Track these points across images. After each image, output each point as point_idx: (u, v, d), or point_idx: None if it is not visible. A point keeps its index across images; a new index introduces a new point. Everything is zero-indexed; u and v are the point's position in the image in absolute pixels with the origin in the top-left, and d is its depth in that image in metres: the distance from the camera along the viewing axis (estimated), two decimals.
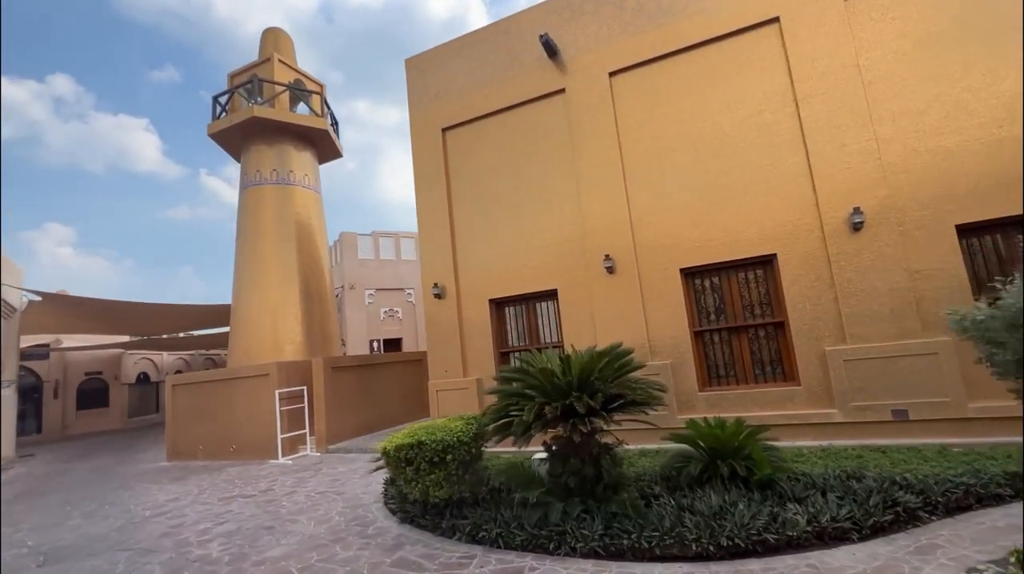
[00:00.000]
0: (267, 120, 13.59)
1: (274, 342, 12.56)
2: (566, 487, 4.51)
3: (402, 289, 21.79)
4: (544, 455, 4.93)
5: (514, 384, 4.92)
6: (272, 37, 15.36)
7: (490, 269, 9.21)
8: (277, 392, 10.40)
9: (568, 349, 8.44)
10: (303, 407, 10.88)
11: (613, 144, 8.29)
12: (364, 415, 11.84)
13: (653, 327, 7.78)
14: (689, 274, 7.76)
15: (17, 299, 14.16)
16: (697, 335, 7.63)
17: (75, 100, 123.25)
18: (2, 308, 13.14)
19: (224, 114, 14.28)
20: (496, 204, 9.31)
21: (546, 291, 8.78)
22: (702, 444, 4.92)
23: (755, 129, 7.38)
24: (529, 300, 9.08)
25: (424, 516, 5.02)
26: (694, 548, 3.74)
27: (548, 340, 8.87)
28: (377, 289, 21.30)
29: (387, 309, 21.48)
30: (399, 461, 4.81)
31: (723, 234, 7.46)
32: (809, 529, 3.76)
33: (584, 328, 8.27)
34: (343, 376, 11.45)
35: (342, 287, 19.86)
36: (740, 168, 7.43)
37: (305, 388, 10.97)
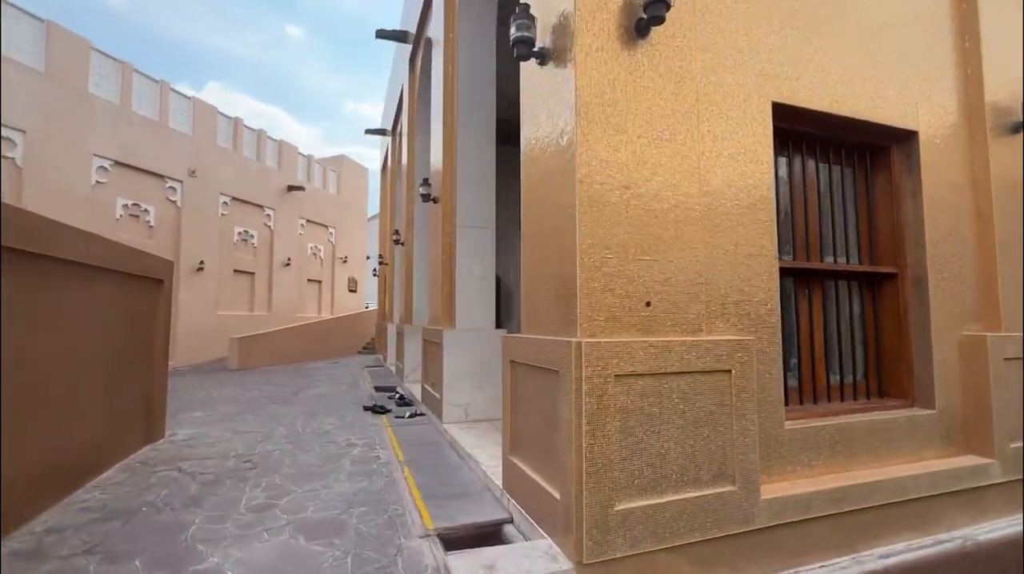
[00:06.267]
0: None
1: None
2: None
3: (262, 207, 15.70)
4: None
5: None
6: None
7: (774, 24, 3.31)
8: None
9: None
10: None
11: None
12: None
13: None
14: None
15: None
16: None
17: None
18: None
19: None
20: None
21: (884, 129, 3.58)
22: None
23: None
24: (835, 145, 3.65)
25: None
26: None
27: (840, 252, 3.58)
28: (234, 198, 14.53)
29: (242, 230, 14.88)
30: None
31: None
32: None
33: (962, 247, 3.47)
34: None
35: (183, 180, 13.05)
36: None
37: None
